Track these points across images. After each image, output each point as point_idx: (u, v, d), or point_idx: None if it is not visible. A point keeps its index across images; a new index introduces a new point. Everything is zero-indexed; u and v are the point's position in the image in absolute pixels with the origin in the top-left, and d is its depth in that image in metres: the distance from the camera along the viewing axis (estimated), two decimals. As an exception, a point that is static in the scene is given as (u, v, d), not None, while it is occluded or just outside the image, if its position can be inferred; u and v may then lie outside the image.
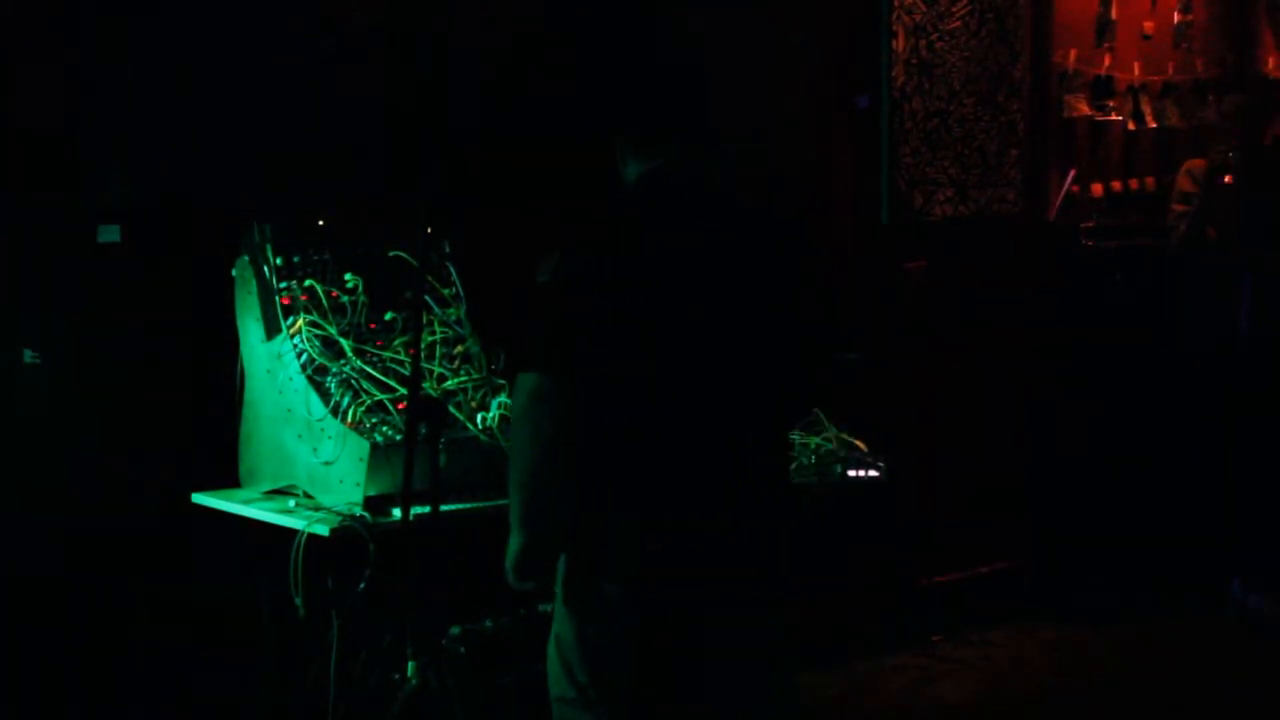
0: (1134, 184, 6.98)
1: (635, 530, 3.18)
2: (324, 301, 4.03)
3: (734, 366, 3.24)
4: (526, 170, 5.03)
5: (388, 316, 4.11)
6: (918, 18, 6.02)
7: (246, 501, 4.03)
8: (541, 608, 4.11)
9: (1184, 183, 6.65)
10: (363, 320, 4.08)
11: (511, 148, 5.01)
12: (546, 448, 3.13)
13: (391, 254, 4.18)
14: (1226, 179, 6.45)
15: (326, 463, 3.86)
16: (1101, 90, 6.82)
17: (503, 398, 4.03)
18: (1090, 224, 6.69)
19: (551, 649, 3.29)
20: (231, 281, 4.15)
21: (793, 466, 4.20)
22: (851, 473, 4.24)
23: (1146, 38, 7.00)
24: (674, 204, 3.29)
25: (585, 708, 3.23)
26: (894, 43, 5.96)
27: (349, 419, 3.85)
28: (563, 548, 3.24)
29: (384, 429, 3.85)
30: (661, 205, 3.29)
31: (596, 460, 3.18)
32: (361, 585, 3.75)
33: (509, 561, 3.17)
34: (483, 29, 4.99)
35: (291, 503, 3.94)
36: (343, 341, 4.00)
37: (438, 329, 4.14)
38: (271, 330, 4.03)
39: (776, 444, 3.39)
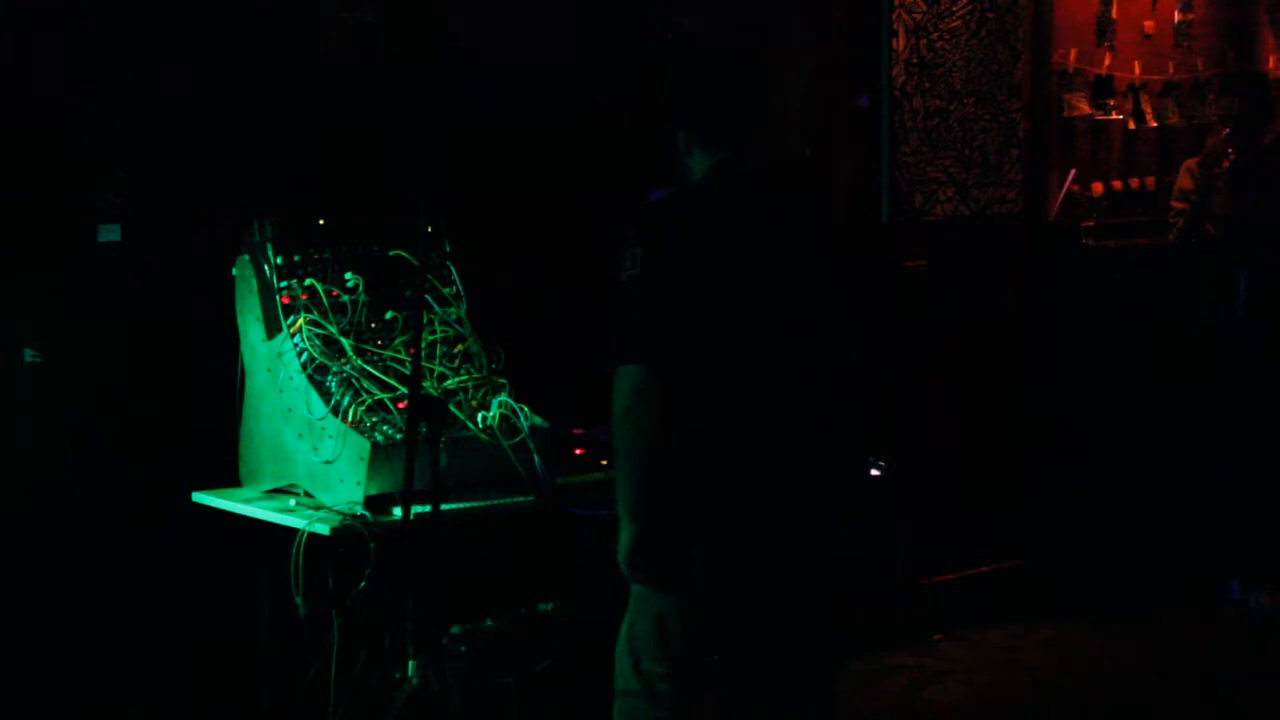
0: (1134, 183, 6.99)
1: (725, 520, 3.24)
2: (324, 300, 4.03)
3: (801, 357, 3.32)
4: (528, 169, 5.03)
5: (388, 315, 4.11)
6: (918, 17, 6.02)
7: (247, 500, 4.03)
8: (541, 607, 4.12)
9: (1184, 180, 6.66)
10: (363, 319, 4.08)
11: (513, 146, 5.01)
12: (653, 437, 3.18)
13: (392, 253, 4.18)
14: (1225, 163, 6.46)
15: (327, 462, 3.86)
16: (1102, 89, 6.82)
17: (503, 396, 4.03)
18: (1091, 223, 6.69)
19: (622, 639, 3.32)
20: (232, 280, 4.15)
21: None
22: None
23: (1147, 37, 7.01)
24: (746, 194, 3.35)
25: (650, 700, 3.26)
26: (894, 42, 5.96)
27: (349, 418, 3.85)
28: (678, 540, 3.26)
29: (384, 428, 3.85)
30: (735, 196, 3.35)
31: (681, 449, 3.22)
32: (362, 584, 3.75)
33: (622, 554, 3.21)
34: (486, 26, 4.98)
35: (292, 502, 3.94)
36: (343, 340, 4.00)
37: (438, 328, 4.14)
38: (272, 329, 4.03)
39: (830, 438, 3.45)
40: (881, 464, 4.27)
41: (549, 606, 4.10)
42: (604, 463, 4.00)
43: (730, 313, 3.24)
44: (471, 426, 3.95)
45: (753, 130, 3.41)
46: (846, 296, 3.52)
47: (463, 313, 4.24)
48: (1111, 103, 6.84)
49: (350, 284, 4.09)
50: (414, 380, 3.63)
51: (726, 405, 3.25)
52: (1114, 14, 6.82)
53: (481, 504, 3.80)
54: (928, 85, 6.07)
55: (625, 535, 3.20)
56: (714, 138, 3.38)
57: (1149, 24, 7.01)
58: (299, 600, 3.82)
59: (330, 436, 3.85)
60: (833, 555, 3.39)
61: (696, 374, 3.21)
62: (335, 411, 3.87)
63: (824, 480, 3.38)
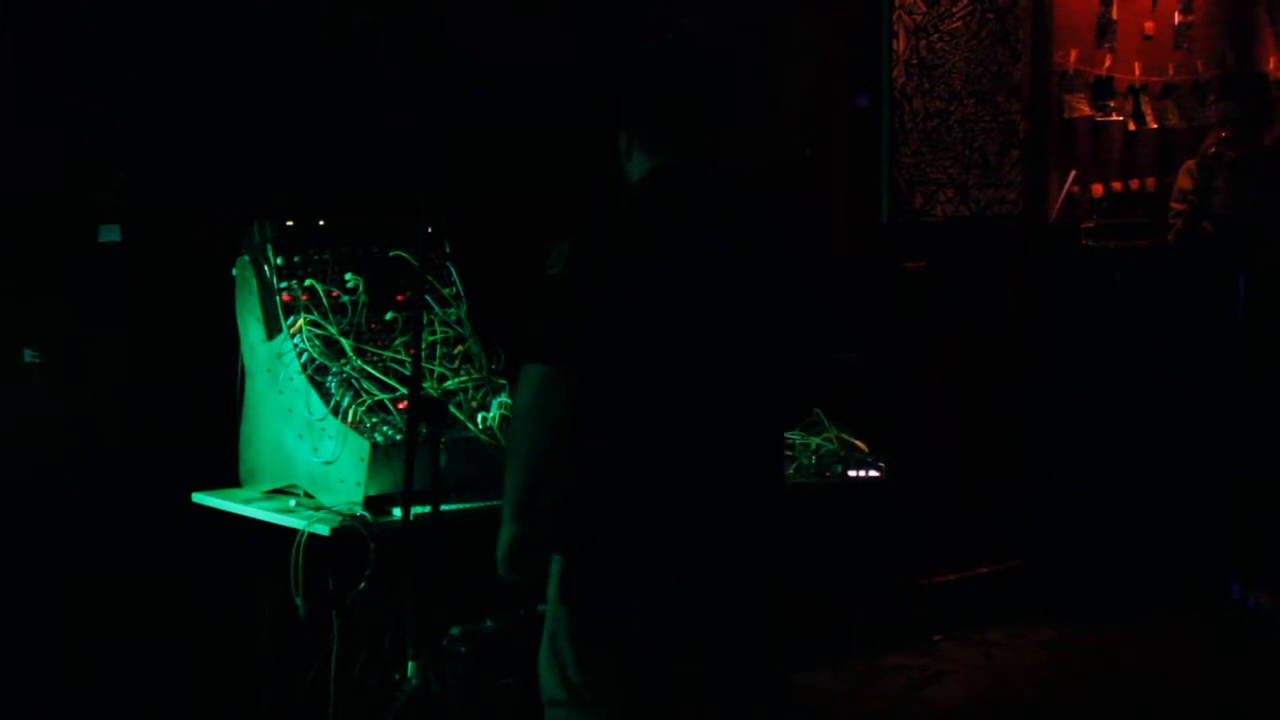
0: (1134, 184, 6.99)
1: (637, 526, 3.20)
2: (324, 301, 4.03)
3: (735, 362, 3.28)
4: (528, 169, 5.03)
5: (388, 316, 4.11)
6: (918, 18, 6.02)
7: (247, 501, 4.03)
8: (540, 608, 4.11)
9: (1184, 181, 6.66)
10: (363, 320, 4.08)
11: (513, 146, 5.01)
12: (549, 439, 3.15)
13: (392, 254, 4.18)
14: (1220, 176, 6.46)
15: (327, 462, 3.86)
16: (1102, 90, 6.82)
17: (503, 397, 4.04)
18: (1090, 224, 6.69)
19: (544, 650, 3.30)
20: (232, 281, 4.15)
21: (792, 467, 4.21)
22: (852, 472, 4.24)
23: (1147, 38, 7.01)
24: (682, 199, 3.32)
25: (579, 707, 3.24)
26: (894, 43, 5.96)
27: (349, 418, 3.85)
28: (556, 542, 3.25)
29: (384, 429, 3.85)
30: (670, 200, 3.32)
31: (596, 453, 3.20)
32: (362, 585, 3.75)
33: (500, 552, 3.18)
34: (484, 26, 4.98)
35: (292, 502, 3.94)
36: (343, 341, 4.00)
37: (438, 329, 4.15)
38: (272, 330, 4.03)
39: (773, 442, 3.41)
40: (882, 464, 4.27)
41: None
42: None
43: (653, 314, 3.18)
44: (471, 427, 3.95)
45: (695, 140, 3.36)
46: (817, 299, 3.48)
47: (463, 313, 4.24)
48: (1112, 104, 6.84)
49: (350, 284, 4.09)
50: (414, 381, 3.63)
51: (646, 406, 3.20)
52: (1114, 15, 6.82)
53: (481, 505, 3.79)
54: (928, 86, 6.07)
55: (505, 534, 3.16)
56: (654, 143, 3.35)
57: (1149, 25, 7.01)
58: (299, 601, 3.82)
59: (330, 437, 3.85)
60: (768, 556, 3.34)
61: (607, 373, 3.16)
62: (335, 412, 3.87)
63: (758, 481, 3.34)
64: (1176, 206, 6.66)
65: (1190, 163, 6.66)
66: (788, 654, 3.44)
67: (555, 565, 3.28)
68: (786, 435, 4.00)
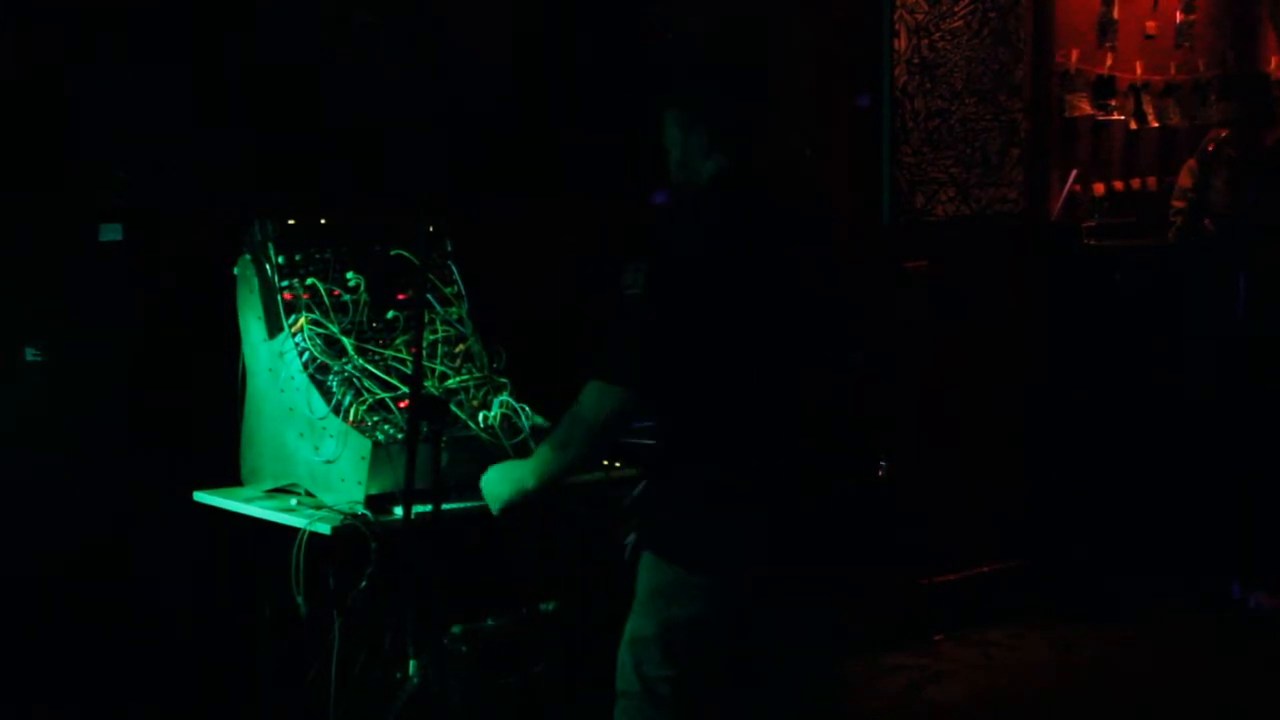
0: (1135, 183, 6.98)
1: (732, 527, 3.28)
2: (326, 300, 4.03)
3: (809, 364, 3.37)
4: (529, 169, 5.03)
5: (389, 315, 4.11)
6: (920, 17, 6.02)
7: (248, 500, 4.02)
8: (543, 607, 4.12)
9: (1185, 179, 6.67)
10: (364, 319, 4.08)
11: (514, 145, 5.01)
12: (601, 449, 3.49)
13: (393, 252, 4.18)
14: (1219, 175, 6.47)
15: (328, 461, 3.85)
16: (1103, 90, 6.82)
17: (504, 396, 4.04)
18: (1092, 223, 6.69)
19: (625, 643, 3.36)
20: (233, 280, 4.15)
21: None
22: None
23: (1149, 37, 7.00)
24: (754, 203, 3.38)
25: (650, 702, 3.29)
26: (896, 42, 5.96)
27: (350, 417, 3.85)
28: (648, 542, 3.35)
29: (385, 427, 3.85)
30: (743, 206, 3.37)
31: (690, 460, 3.30)
32: (363, 584, 3.75)
33: (506, 494, 3.49)
34: (486, 26, 4.98)
35: (293, 501, 3.94)
36: (344, 340, 4.00)
37: (439, 327, 4.14)
38: (273, 328, 4.02)
39: (841, 440, 3.48)
40: (882, 464, 4.27)
41: (550, 606, 4.10)
42: (605, 462, 4.00)
43: (739, 325, 3.26)
44: (473, 426, 3.95)
45: (755, 139, 3.43)
46: (852, 302, 3.55)
47: (464, 312, 4.24)
48: (1113, 103, 6.84)
49: (351, 283, 4.08)
50: (415, 380, 3.63)
51: (733, 413, 3.28)
52: (1115, 14, 6.82)
53: (482, 504, 3.79)
54: (929, 85, 6.07)
55: (512, 489, 3.48)
56: (719, 145, 3.40)
57: (1150, 24, 7.01)
58: (300, 600, 3.82)
59: (331, 436, 3.85)
60: (836, 559, 3.41)
61: (698, 382, 3.25)
62: (336, 411, 3.87)
63: (829, 485, 3.40)
64: (1177, 204, 6.67)
65: (1192, 161, 6.67)
66: (843, 645, 3.53)
67: (645, 561, 3.34)
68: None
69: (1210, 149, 6.61)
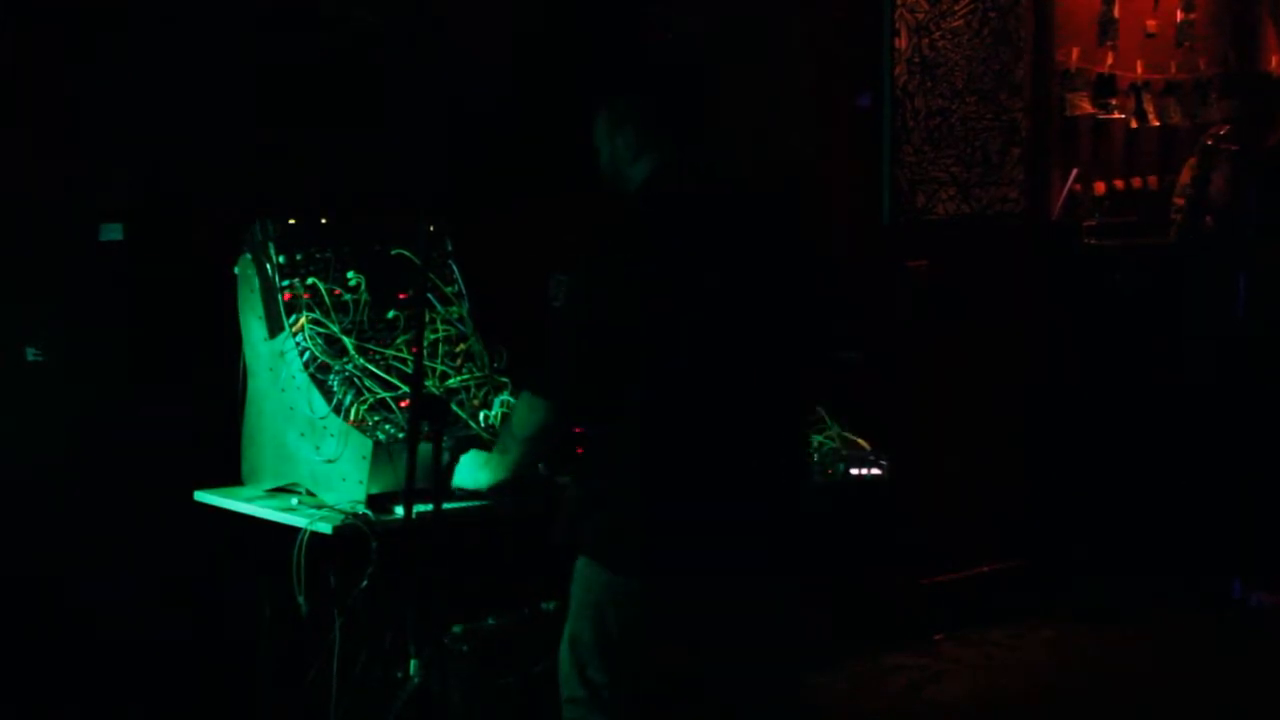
0: (1136, 182, 6.98)
1: (667, 526, 3.23)
2: (326, 299, 4.03)
3: (752, 363, 3.30)
4: (529, 168, 5.03)
5: (390, 314, 4.11)
6: (920, 16, 6.02)
7: (249, 499, 4.02)
8: (544, 606, 4.12)
9: (1185, 176, 6.68)
10: (365, 318, 4.08)
11: (515, 144, 5.01)
12: (537, 457, 3.57)
13: (394, 252, 4.18)
14: (1217, 175, 6.47)
15: (329, 461, 3.85)
16: (1104, 89, 6.81)
17: (505, 395, 4.04)
18: (1092, 223, 6.69)
19: (565, 648, 3.32)
20: (234, 279, 4.15)
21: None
22: (853, 471, 4.23)
23: (1149, 36, 7.00)
24: (685, 202, 3.31)
25: (597, 708, 3.25)
26: (896, 41, 5.96)
27: (351, 417, 3.85)
28: (582, 543, 3.31)
29: (386, 427, 3.84)
30: (673, 204, 3.32)
31: (620, 455, 3.26)
32: (364, 583, 3.74)
33: (484, 481, 3.62)
34: (486, 26, 4.98)
35: (294, 501, 3.94)
36: (345, 339, 4.00)
37: (440, 327, 4.14)
38: (274, 328, 4.02)
39: (796, 438, 3.44)
40: (883, 463, 4.26)
41: (551, 606, 4.09)
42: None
43: (665, 327, 3.22)
44: (474, 425, 3.95)
45: (692, 137, 3.39)
46: (826, 300, 3.50)
47: (465, 312, 4.24)
48: (1114, 102, 6.83)
49: (352, 283, 4.08)
50: (416, 379, 3.62)
51: (665, 414, 3.24)
52: (1116, 13, 6.81)
53: (484, 503, 3.79)
54: (929, 84, 6.07)
55: (491, 475, 3.58)
56: (650, 145, 3.36)
57: (1151, 23, 7.01)
58: (300, 599, 3.82)
59: (332, 435, 3.85)
60: (794, 557, 3.37)
61: (633, 389, 3.22)
62: (337, 410, 3.87)
63: (784, 481, 3.35)
64: (1178, 202, 6.68)
65: (1193, 158, 6.68)
66: (800, 654, 3.47)
67: (579, 566, 3.30)
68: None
69: (1209, 143, 6.62)
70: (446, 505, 3.66)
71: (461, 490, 3.72)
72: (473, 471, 3.68)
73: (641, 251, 3.25)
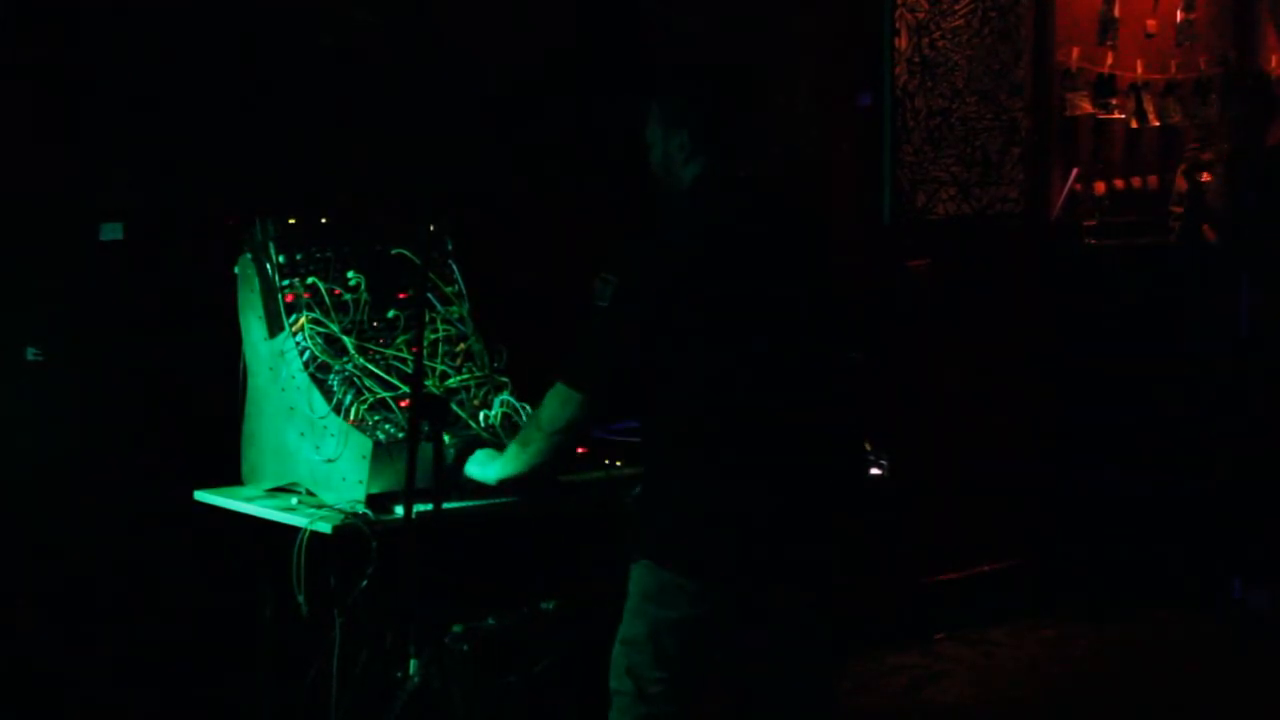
0: (1136, 182, 6.99)
1: (723, 531, 3.26)
2: (326, 299, 4.03)
3: (802, 364, 3.34)
4: (530, 168, 5.03)
5: (390, 314, 4.11)
6: (920, 16, 6.02)
7: (249, 499, 4.02)
8: (543, 606, 4.12)
9: (1181, 184, 6.67)
10: (365, 318, 4.08)
11: (516, 144, 5.01)
12: (565, 453, 3.50)
13: (394, 251, 4.18)
14: (1204, 177, 6.48)
15: (329, 460, 3.85)
16: (1104, 88, 6.82)
17: (505, 395, 4.03)
18: (1092, 222, 6.69)
19: (617, 646, 3.36)
20: (234, 279, 4.15)
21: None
22: (854, 471, 4.23)
23: (1149, 36, 7.01)
24: (734, 205, 3.36)
25: (641, 699, 3.31)
26: (897, 40, 5.96)
27: (351, 416, 3.85)
28: (641, 548, 3.34)
29: (386, 426, 3.84)
30: (723, 206, 3.36)
31: (683, 460, 3.29)
32: (364, 583, 3.74)
33: (495, 474, 3.61)
34: (486, 26, 4.98)
35: (294, 500, 3.94)
36: (345, 339, 4.00)
37: (440, 327, 4.14)
38: (274, 328, 4.02)
39: (850, 437, 3.47)
40: (883, 463, 4.26)
41: (551, 605, 4.09)
42: (606, 461, 4.00)
43: (717, 329, 3.25)
44: (474, 425, 3.95)
45: (741, 141, 3.42)
46: (844, 300, 3.54)
47: (465, 311, 4.24)
48: (1114, 102, 6.84)
49: (352, 282, 4.08)
50: (416, 379, 3.63)
51: (719, 417, 3.26)
52: (1116, 13, 6.82)
53: (483, 503, 3.79)
54: (930, 84, 6.07)
55: (504, 470, 3.58)
56: (703, 147, 3.38)
57: (1151, 23, 7.01)
58: (301, 599, 3.82)
59: (332, 435, 3.85)
60: (833, 559, 3.40)
61: (685, 391, 3.24)
62: (337, 410, 3.87)
63: (825, 485, 3.38)
64: (1175, 210, 6.68)
65: (1183, 166, 6.69)
66: (836, 659, 3.52)
67: (639, 565, 3.32)
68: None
69: (1188, 155, 6.64)
70: (446, 505, 3.66)
71: (469, 483, 3.71)
72: (484, 464, 3.68)
73: (690, 252, 3.28)
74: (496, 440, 3.91)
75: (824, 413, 3.40)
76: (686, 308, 3.23)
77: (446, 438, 3.72)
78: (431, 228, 4.13)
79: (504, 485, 3.63)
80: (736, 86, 3.50)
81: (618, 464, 4.00)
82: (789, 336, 3.32)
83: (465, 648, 3.94)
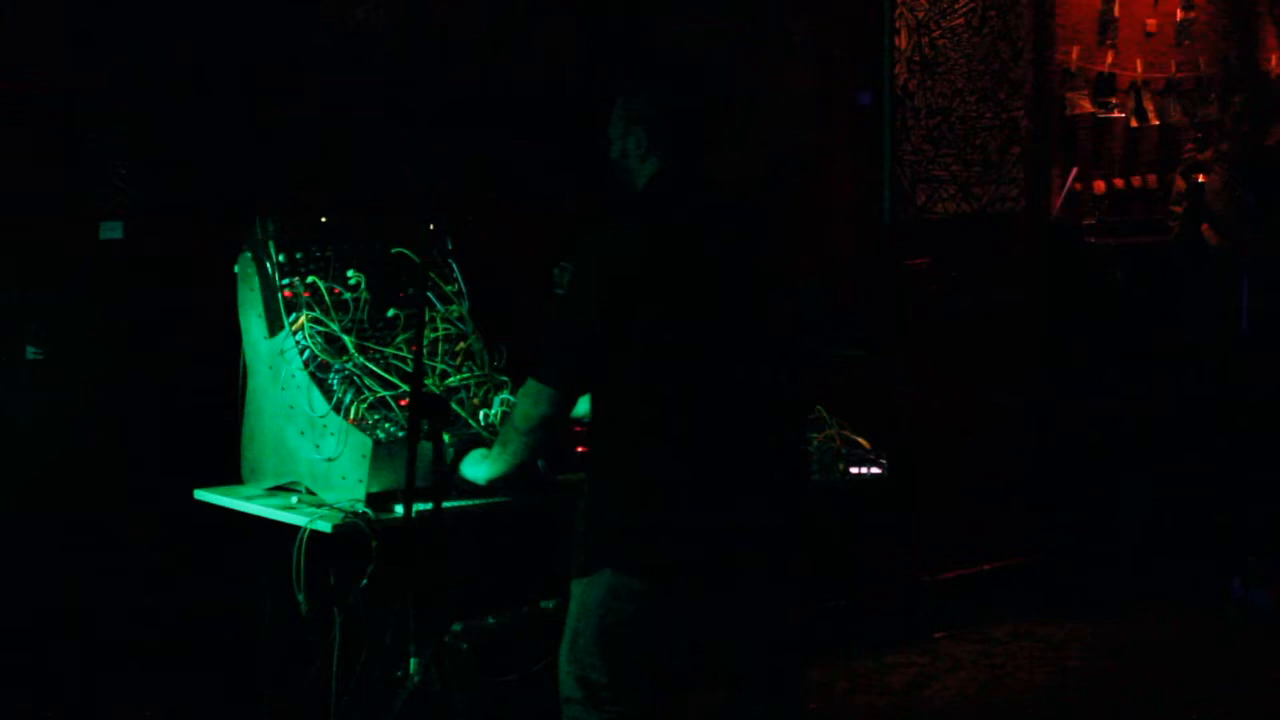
0: (1136, 181, 6.98)
1: (668, 527, 3.26)
2: (326, 298, 4.03)
3: (748, 361, 3.35)
4: (530, 168, 5.03)
5: (390, 313, 4.11)
6: (920, 15, 6.02)
7: (249, 498, 4.02)
8: (543, 604, 4.12)
9: (1180, 183, 6.67)
10: (365, 317, 4.08)
11: (515, 143, 5.00)
12: (541, 446, 3.51)
13: (394, 251, 4.18)
14: (1200, 178, 6.48)
15: (329, 459, 3.85)
16: (1104, 88, 6.81)
17: (505, 394, 4.04)
18: (1092, 221, 6.69)
19: (565, 650, 3.34)
20: (234, 278, 4.15)
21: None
22: (854, 469, 4.23)
23: (1149, 35, 7.00)
24: (685, 204, 3.36)
25: (595, 707, 3.27)
26: (896, 40, 5.96)
27: (351, 415, 3.85)
28: (585, 547, 3.33)
29: (386, 425, 3.85)
30: (675, 206, 3.38)
31: (624, 459, 3.30)
32: (364, 582, 3.75)
33: (483, 475, 3.64)
34: (486, 24, 4.98)
35: (294, 499, 3.94)
36: (345, 338, 4.00)
37: (440, 326, 4.14)
38: (274, 326, 4.02)
39: (793, 437, 3.46)
40: (883, 461, 4.27)
41: (551, 604, 4.09)
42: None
43: (668, 326, 3.26)
44: (474, 424, 3.95)
45: (696, 143, 3.43)
46: (810, 295, 3.55)
47: (464, 310, 4.24)
48: (1113, 101, 6.83)
49: (352, 281, 4.08)
50: (416, 378, 3.63)
51: (662, 407, 3.28)
52: (1116, 12, 6.81)
53: (483, 502, 3.79)
54: (930, 83, 6.07)
55: (489, 470, 3.60)
56: (658, 149, 3.40)
57: (1151, 22, 7.00)
58: (300, 598, 3.82)
59: (332, 434, 3.85)
60: (794, 557, 3.39)
61: (629, 375, 3.25)
62: (337, 409, 3.87)
63: (783, 481, 3.38)
64: (1175, 209, 6.68)
65: (1182, 165, 6.69)
66: (803, 651, 3.50)
67: (582, 565, 3.33)
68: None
69: (1188, 155, 6.64)
70: (446, 504, 3.66)
71: (466, 485, 3.73)
72: (474, 465, 3.70)
73: (641, 249, 3.30)
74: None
75: (775, 413, 3.41)
76: (632, 306, 3.24)
77: (446, 437, 3.72)
78: (431, 226, 4.13)
79: (494, 484, 3.66)
80: (698, 87, 3.52)
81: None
82: (733, 336, 3.33)
83: (465, 646, 3.94)
